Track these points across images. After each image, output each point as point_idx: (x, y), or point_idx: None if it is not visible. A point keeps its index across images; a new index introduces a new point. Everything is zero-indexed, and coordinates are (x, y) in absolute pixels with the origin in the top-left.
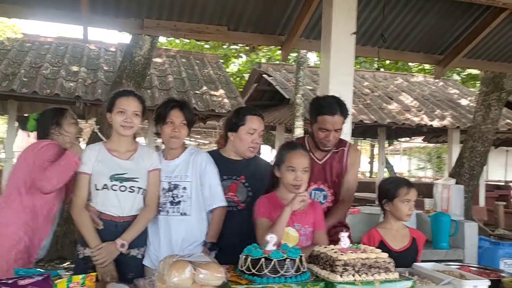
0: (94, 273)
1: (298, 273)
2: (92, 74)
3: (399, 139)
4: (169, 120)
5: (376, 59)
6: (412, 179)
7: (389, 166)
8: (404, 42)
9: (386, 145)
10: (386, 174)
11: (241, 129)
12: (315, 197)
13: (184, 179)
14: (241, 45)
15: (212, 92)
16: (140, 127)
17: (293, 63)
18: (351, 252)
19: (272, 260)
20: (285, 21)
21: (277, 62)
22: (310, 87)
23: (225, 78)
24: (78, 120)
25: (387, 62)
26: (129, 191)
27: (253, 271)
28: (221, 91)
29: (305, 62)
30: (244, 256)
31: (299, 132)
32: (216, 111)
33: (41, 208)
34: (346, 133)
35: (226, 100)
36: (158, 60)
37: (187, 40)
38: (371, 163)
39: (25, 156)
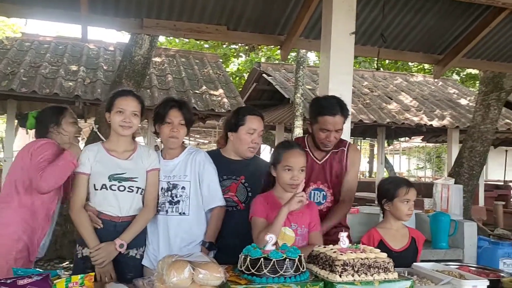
0: (93, 273)
1: (297, 273)
2: (91, 73)
3: (398, 138)
4: (167, 120)
5: (376, 58)
6: (411, 179)
7: (388, 166)
8: (404, 42)
9: (386, 144)
10: (385, 174)
11: (241, 129)
12: (314, 197)
13: (183, 178)
14: (240, 44)
15: (212, 92)
16: (140, 126)
17: (292, 63)
18: (351, 252)
19: (271, 260)
20: (285, 21)
21: (277, 61)
22: (309, 87)
23: (225, 77)
24: (78, 119)
25: (387, 61)
26: (128, 191)
27: (252, 271)
28: (220, 91)
29: (304, 62)
30: (243, 256)
31: (298, 131)
32: (216, 110)
33: (40, 207)
34: (345, 133)
35: (225, 100)
36: (158, 59)
37: (186, 40)
38: (370, 162)
39: (22, 155)
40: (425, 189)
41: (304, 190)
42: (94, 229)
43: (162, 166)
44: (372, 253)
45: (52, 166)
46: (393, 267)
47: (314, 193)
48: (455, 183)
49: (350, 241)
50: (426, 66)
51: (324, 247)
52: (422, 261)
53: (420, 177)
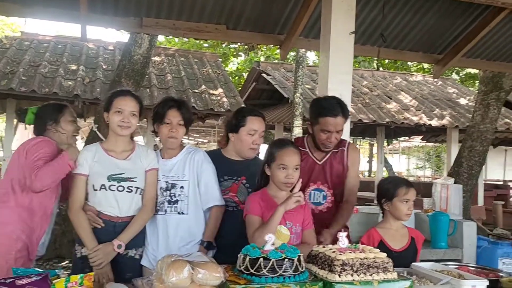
0: (92, 273)
1: (296, 273)
2: (91, 72)
3: (398, 138)
4: (166, 120)
5: (375, 58)
6: (410, 179)
7: (388, 166)
8: (403, 42)
9: (385, 144)
10: (385, 174)
11: (242, 130)
12: (314, 198)
13: (182, 178)
14: (240, 44)
15: (211, 91)
16: (139, 125)
17: (292, 62)
18: (350, 252)
19: (270, 260)
20: (284, 20)
21: (276, 61)
22: (309, 86)
23: (224, 77)
24: (77, 118)
25: (386, 61)
26: (127, 191)
27: (252, 270)
28: (220, 90)
29: (304, 61)
30: (242, 256)
31: (298, 131)
32: (215, 110)
33: (38, 206)
34: (345, 133)
35: (225, 99)
36: (157, 59)
37: (186, 39)
38: (370, 162)
39: (18, 153)
40: (424, 189)
41: (304, 190)
42: (94, 229)
43: (160, 166)
44: (371, 253)
45: (49, 165)
46: (392, 267)
47: (314, 193)
48: (454, 182)
49: (350, 241)
50: (426, 65)
51: (323, 246)
52: (421, 261)
53: (420, 177)
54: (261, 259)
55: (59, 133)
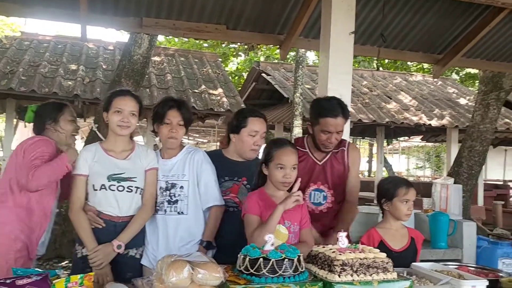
0: (92, 273)
1: (296, 273)
2: (90, 72)
3: (397, 138)
4: (166, 120)
5: (375, 58)
6: (410, 178)
7: (387, 165)
8: (403, 42)
9: (385, 144)
10: (384, 173)
11: (243, 131)
12: (314, 198)
13: (181, 178)
14: (239, 44)
15: (211, 91)
16: (138, 125)
17: (292, 62)
18: (349, 252)
19: (270, 260)
20: (284, 20)
21: (276, 61)
22: (309, 86)
23: (224, 77)
24: (77, 118)
25: (386, 61)
26: (127, 191)
27: (251, 271)
28: (219, 90)
29: (304, 61)
30: (242, 256)
31: (297, 131)
32: (215, 110)
33: (36, 206)
34: (345, 133)
35: (224, 99)
36: (157, 58)
37: (185, 39)
38: (369, 162)
39: (16, 153)
40: (424, 189)
41: (304, 190)
42: (95, 229)
43: (160, 166)
44: (371, 253)
45: (47, 165)
46: (392, 267)
47: (314, 193)
48: (454, 182)
49: (349, 241)
50: (425, 65)
51: (323, 247)
52: (421, 261)
53: (419, 177)
54: (261, 259)
55: (58, 132)
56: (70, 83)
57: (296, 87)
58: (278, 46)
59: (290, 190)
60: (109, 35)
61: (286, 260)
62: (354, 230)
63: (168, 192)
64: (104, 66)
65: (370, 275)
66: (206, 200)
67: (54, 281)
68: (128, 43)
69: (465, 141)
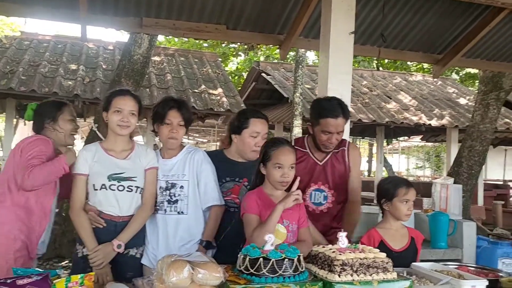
0: (93, 273)
1: (296, 273)
2: (90, 72)
3: (397, 138)
4: (167, 121)
5: (375, 58)
6: (410, 178)
7: (387, 165)
8: (403, 42)
9: (385, 144)
10: (384, 173)
11: (244, 132)
12: (315, 198)
13: (182, 178)
14: (239, 43)
15: (211, 91)
16: (138, 125)
17: (291, 62)
18: (349, 252)
19: (270, 259)
20: (284, 20)
21: (276, 60)
22: (308, 86)
23: (224, 76)
24: (77, 117)
25: (386, 61)
26: (127, 191)
27: (252, 270)
28: (219, 90)
29: (303, 61)
30: (242, 256)
31: (297, 130)
32: (215, 109)
33: (35, 205)
34: (345, 132)
35: (224, 99)
36: (157, 58)
37: (185, 39)
38: (369, 162)
39: (14, 153)
40: (424, 189)
41: (304, 190)
42: (95, 229)
43: (160, 165)
44: (371, 253)
45: (44, 166)
46: (392, 267)
47: (315, 193)
48: (454, 182)
49: (349, 241)
50: (425, 65)
51: (323, 246)
52: (421, 261)
53: (419, 177)
54: (261, 259)
55: (57, 131)
56: (70, 83)
57: (296, 87)
58: (278, 46)
59: (288, 189)
60: (109, 35)
61: (286, 260)
62: (354, 230)
63: (168, 192)
64: (104, 66)
65: (370, 275)
66: (206, 200)
67: (54, 281)
68: (128, 43)
69: (465, 141)
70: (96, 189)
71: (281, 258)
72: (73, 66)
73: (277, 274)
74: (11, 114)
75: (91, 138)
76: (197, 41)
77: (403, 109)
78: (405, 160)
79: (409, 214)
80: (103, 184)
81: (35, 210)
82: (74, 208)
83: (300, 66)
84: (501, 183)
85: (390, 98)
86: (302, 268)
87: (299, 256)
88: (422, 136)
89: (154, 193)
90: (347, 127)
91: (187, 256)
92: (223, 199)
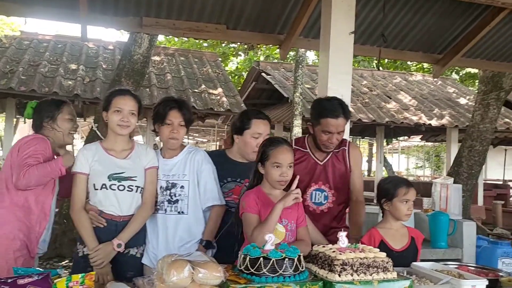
0: (94, 272)
1: (296, 273)
2: (90, 72)
3: (397, 138)
4: (167, 121)
5: (375, 58)
6: (410, 178)
7: (387, 165)
8: (403, 41)
9: (385, 144)
10: (384, 173)
11: (246, 132)
12: (315, 198)
13: (182, 178)
14: (239, 43)
15: (211, 91)
16: (138, 125)
17: (291, 62)
18: (350, 252)
19: (270, 259)
20: (284, 20)
21: (276, 60)
22: (308, 86)
23: (224, 76)
24: (77, 117)
25: (386, 61)
26: (128, 190)
27: (252, 270)
28: (219, 90)
29: (303, 61)
30: (242, 255)
31: (297, 130)
32: (215, 109)
33: (34, 204)
34: (345, 132)
35: (224, 99)
36: (157, 58)
37: (185, 39)
38: (369, 162)
39: (12, 152)
40: (424, 189)
41: (305, 190)
42: (96, 228)
43: (161, 165)
44: (371, 252)
45: (41, 167)
46: (392, 266)
47: (315, 193)
48: (454, 182)
49: (351, 241)
50: (425, 65)
51: (323, 246)
52: (421, 260)
53: (419, 176)
54: (261, 258)
55: (55, 130)
56: (70, 82)
57: (296, 87)
58: (278, 46)
59: (287, 188)
60: (109, 35)
61: (287, 259)
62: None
63: (168, 191)
64: (104, 66)
65: (370, 275)
66: (206, 199)
67: (55, 281)
68: (128, 43)
69: (465, 140)
70: (97, 189)
71: (282, 257)
72: (73, 66)
73: (277, 274)
74: (11, 113)
75: (91, 138)
76: (197, 41)
77: (403, 109)
78: (405, 160)
79: (409, 214)
80: (104, 184)
81: (35, 209)
82: (74, 207)
83: (300, 66)
84: (501, 183)
85: (390, 98)
86: (302, 268)
87: (299, 255)
88: (422, 136)
89: (154, 192)
90: (347, 127)
91: (187, 255)
92: (223, 199)
